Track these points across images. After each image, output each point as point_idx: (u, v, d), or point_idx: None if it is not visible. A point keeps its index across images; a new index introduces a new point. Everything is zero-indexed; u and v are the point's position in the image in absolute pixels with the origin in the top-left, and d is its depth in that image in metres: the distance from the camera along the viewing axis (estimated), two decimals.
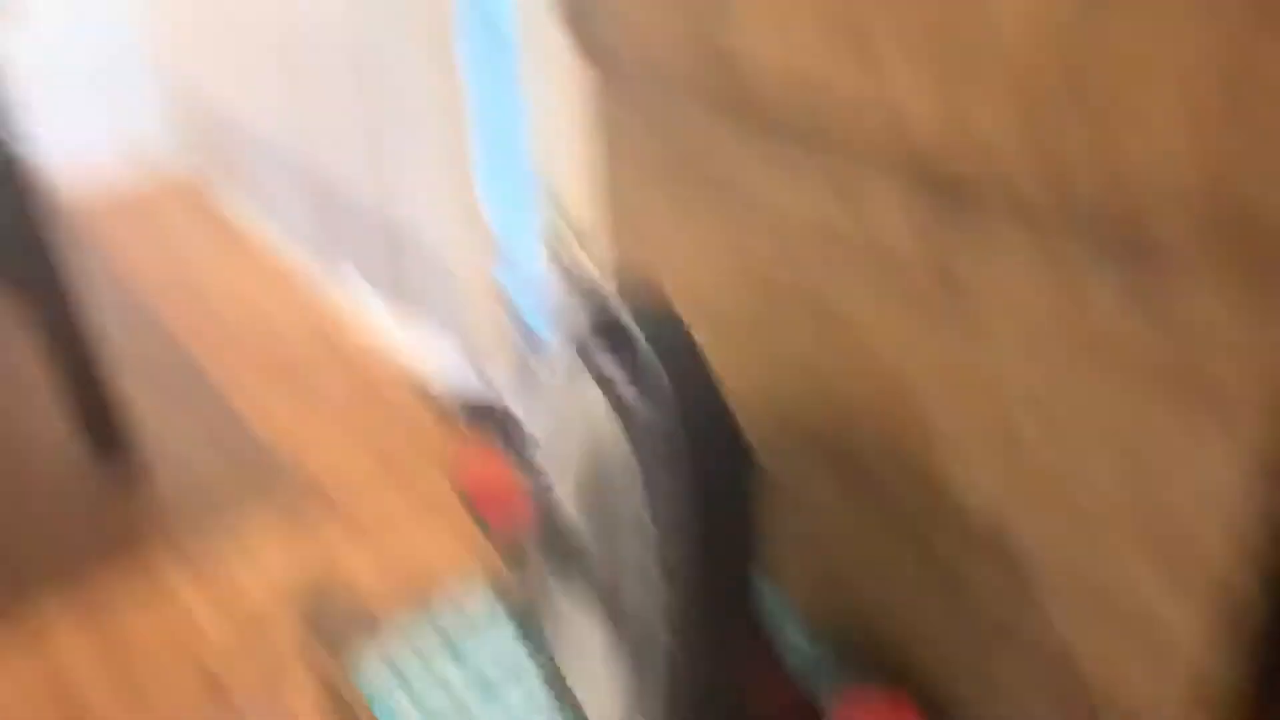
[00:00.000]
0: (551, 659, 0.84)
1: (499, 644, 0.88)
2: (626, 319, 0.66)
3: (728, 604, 0.67)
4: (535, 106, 1.46)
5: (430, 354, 1.96)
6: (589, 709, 0.78)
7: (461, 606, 0.93)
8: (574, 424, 0.75)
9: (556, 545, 0.80)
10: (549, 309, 1.58)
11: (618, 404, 0.66)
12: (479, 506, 1.57)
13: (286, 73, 1.98)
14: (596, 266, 1.29)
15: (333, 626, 1.30)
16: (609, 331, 0.69)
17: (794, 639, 0.87)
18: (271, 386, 1.95)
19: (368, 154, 1.85)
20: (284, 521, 1.60)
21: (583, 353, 0.71)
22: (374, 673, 0.87)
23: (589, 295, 0.73)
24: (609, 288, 0.70)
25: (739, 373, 0.73)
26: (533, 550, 0.86)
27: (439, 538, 1.56)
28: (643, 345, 0.64)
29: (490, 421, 1.75)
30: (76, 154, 2.69)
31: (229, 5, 2.20)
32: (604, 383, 0.68)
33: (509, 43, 1.47)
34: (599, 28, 0.93)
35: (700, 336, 0.66)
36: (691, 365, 0.64)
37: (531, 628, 0.88)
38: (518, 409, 1.76)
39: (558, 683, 0.83)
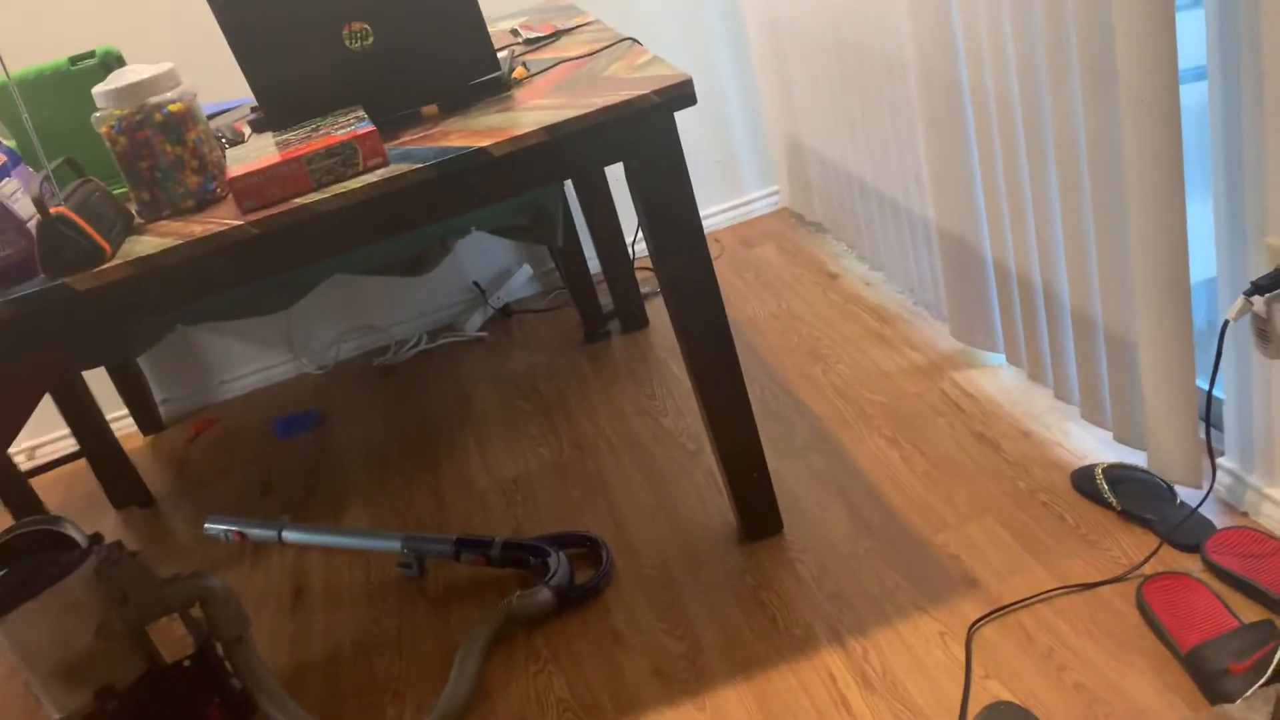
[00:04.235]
0: None
1: None
2: None
3: None
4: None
5: (1074, 431, 1.78)
6: None
7: None
8: None
9: None
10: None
11: None
12: (1171, 629, 1.36)
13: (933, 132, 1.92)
14: None
15: None
16: None
17: None
18: (897, 447, 1.89)
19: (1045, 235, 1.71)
20: (934, 614, 1.51)
21: None
22: None
23: None
24: None
25: None
26: None
27: (1116, 650, 1.37)
28: None
29: (1150, 514, 1.53)
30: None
31: (858, 67, 2.22)
32: None
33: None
34: None
35: None
36: None
37: None
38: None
39: None
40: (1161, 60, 1.30)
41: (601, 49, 1.75)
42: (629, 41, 1.74)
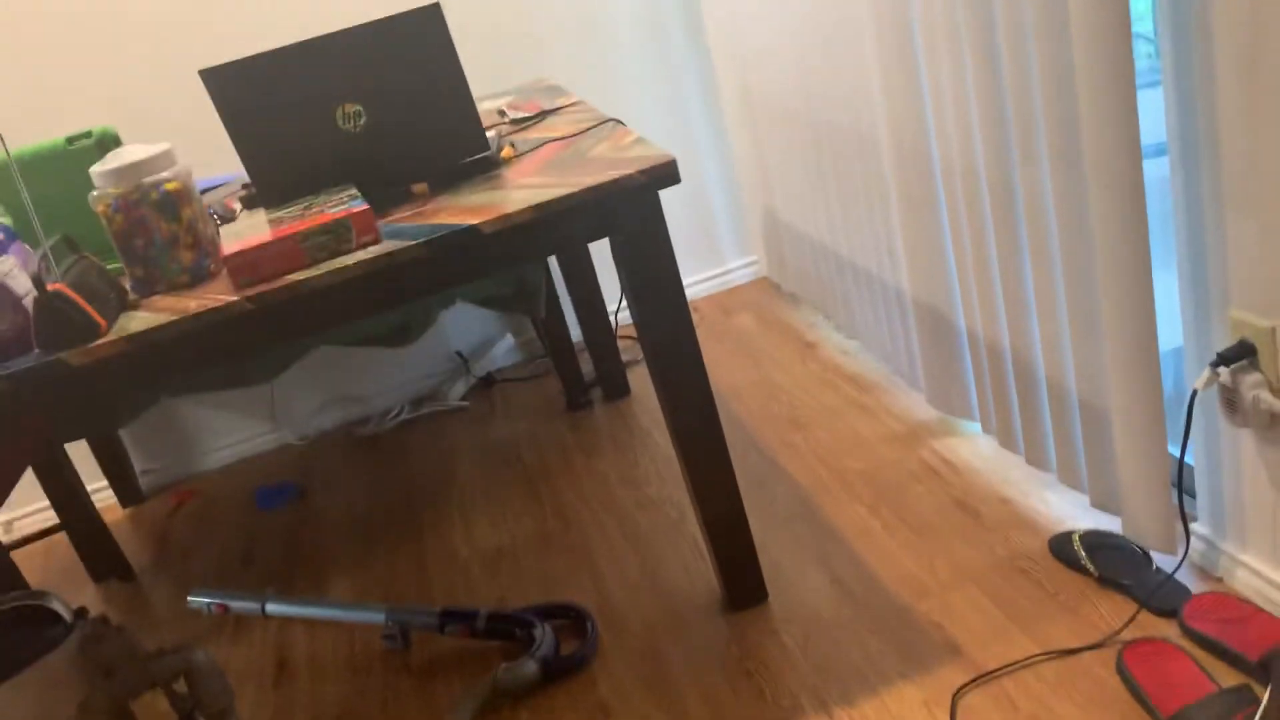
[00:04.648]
0: None
1: None
2: None
3: None
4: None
5: (1050, 498, 1.81)
6: None
7: None
8: None
9: None
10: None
11: None
12: (1152, 694, 1.38)
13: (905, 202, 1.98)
14: None
15: None
16: None
17: None
18: (878, 515, 1.92)
19: (1014, 301, 1.76)
20: (919, 682, 1.53)
21: None
22: None
23: None
24: None
25: None
26: None
27: (1098, 716, 1.39)
28: None
29: (1131, 584, 1.56)
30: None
31: (836, 141, 2.29)
32: None
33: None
34: None
35: None
36: None
37: None
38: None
39: None
40: (1124, 137, 1.37)
41: (587, 129, 1.80)
42: (613, 123, 1.80)
